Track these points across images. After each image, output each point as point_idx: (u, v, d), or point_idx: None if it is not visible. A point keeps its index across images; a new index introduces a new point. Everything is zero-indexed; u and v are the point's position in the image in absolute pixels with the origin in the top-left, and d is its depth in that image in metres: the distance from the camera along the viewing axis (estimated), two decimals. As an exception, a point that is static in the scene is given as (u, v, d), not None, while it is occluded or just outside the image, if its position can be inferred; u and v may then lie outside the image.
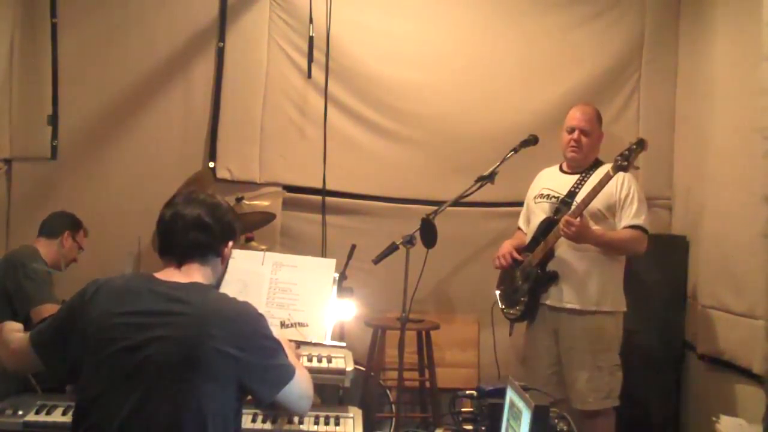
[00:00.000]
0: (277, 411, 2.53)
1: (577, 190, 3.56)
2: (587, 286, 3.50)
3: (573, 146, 3.63)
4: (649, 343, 3.97)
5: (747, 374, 3.36)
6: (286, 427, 2.56)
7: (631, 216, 3.47)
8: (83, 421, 1.99)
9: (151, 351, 1.94)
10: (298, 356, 2.50)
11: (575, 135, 3.62)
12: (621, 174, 3.40)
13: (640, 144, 3.34)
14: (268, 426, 2.55)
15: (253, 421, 2.55)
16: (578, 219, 3.33)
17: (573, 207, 3.48)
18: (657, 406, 4.07)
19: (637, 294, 3.68)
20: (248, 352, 1.99)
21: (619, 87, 4.48)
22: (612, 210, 3.50)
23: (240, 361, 1.98)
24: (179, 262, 2.12)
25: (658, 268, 4.01)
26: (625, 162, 3.30)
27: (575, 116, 3.67)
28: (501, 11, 4.49)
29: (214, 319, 1.97)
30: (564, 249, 3.52)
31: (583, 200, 3.37)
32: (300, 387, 2.13)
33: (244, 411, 2.38)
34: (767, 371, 3.17)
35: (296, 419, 2.58)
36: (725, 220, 3.68)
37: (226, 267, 2.25)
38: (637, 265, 3.72)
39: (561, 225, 3.35)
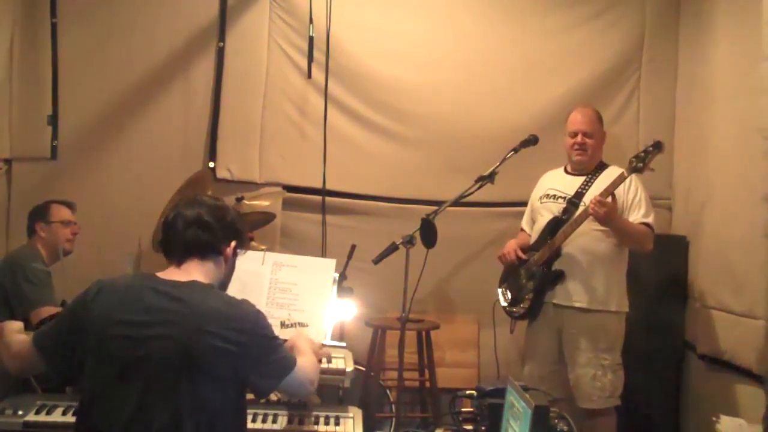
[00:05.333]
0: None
1: (584, 191, 3.58)
2: (594, 286, 3.52)
3: (578, 149, 3.65)
4: (649, 343, 3.97)
5: (747, 374, 3.37)
6: (287, 426, 2.56)
7: (641, 215, 3.51)
8: (86, 419, 2.01)
9: (151, 349, 1.96)
10: (318, 355, 2.46)
11: (579, 138, 3.64)
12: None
13: (657, 146, 3.33)
14: (268, 426, 2.55)
15: (254, 421, 2.55)
16: (609, 199, 3.34)
17: (581, 207, 3.50)
18: (657, 406, 4.07)
19: (637, 294, 3.68)
20: (247, 349, 2.02)
21: (619, 87, 4.48)
22: (618, 212, 3.50)
23: (239, 358, 2.00)
24: (179, 261, 2.15)
25: (658, 268, 4.01)
26: (640, 164, 3.30)
27: (576, 119, 3.69)
28: (501, 11, 4.49)
29: (212, 317, 2.00)
30: (572, 248, 3.53)
31: (607, 188, 3.37)
32: (303, 374, 2.17)
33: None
34: (767, 371, 3.17)
35: (296, 419, 2.58)
36: (725, 220, 3.68)
37: (231, 269, 2.27)
38: (637, 265, 3.72)
39: (592, 204, 3.35)
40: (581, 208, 3.51)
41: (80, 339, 2.04)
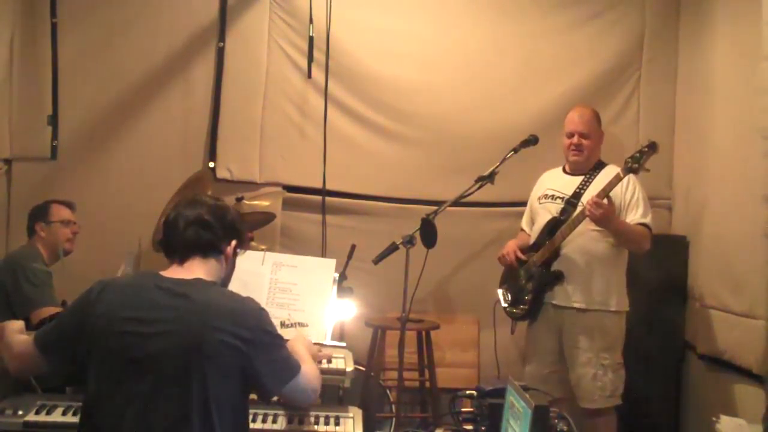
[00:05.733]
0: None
1: (582, 191, 3.59)
2: (593, 286, 3.52)
3: (574, 150, 3.66)
4: (649, 343, 3.97)
5: (747, 374, 3.36)
6: (286, 426, 2.56)
7: (638, 215, 3.51)
8: (91, 418, 2.01)
9: (157, 345, 1.97)
10: (317, 358, 2.54)
11: (575, 139, 3.65)
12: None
13: (652, 147, 3.34)
14: (268, 426, 2.54)
15: (254, 421, 2.54)
16: (605, 200, 3.34)
17: (579, 207, 3.50)
18: (657, 406, 4.07)
19: (637, 294, 3.68)
20: (252, 345, 2.03)
21: (619, 87, 4.48)
22: (616, 212, 3.50)
23: (244, 354, 2.01)
24: (181, 260, 2.17)
25: (658, 268, 4.00)
26: (635, 164, 3.31)
27: (573, 120, 3.69)
28: (501, 11, 4.49)
29: (217, 312, 2.02)
30: (570, 249, 3.54)
31: (604, 188, 3.38)
32: (306, 381, 2.19)
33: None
34: (767, 371, 3.17)
35: (296, 419, 2.58)
36: (725, 220, 3.68)
37: (232, 268, 2.29)
38: (637, 265, 3.72)
39: (588, 206, 3.36)
40: (579, 209, 3.51)
41: (83, 338, 2.05)
